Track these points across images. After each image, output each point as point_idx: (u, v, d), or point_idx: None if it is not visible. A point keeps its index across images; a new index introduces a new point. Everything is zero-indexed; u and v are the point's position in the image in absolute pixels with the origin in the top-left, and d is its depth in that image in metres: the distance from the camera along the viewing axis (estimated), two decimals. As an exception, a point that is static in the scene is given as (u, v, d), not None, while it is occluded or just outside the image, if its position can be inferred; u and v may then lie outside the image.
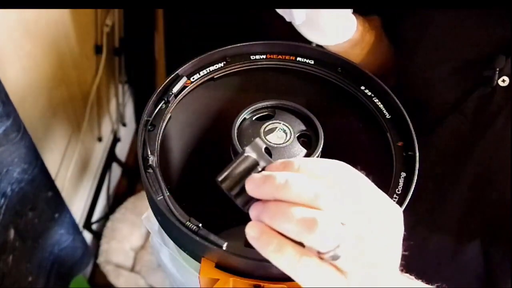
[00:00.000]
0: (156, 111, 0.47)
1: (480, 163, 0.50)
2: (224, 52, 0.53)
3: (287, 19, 0.50)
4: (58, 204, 0.83)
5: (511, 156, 0.48)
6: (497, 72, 0.48)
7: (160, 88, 0.48)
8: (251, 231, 0.32)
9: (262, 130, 0.45)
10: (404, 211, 0.42)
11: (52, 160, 0.86)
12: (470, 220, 0.52)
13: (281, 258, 0.31)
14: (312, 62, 0.53)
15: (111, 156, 1.30)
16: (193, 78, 0.51)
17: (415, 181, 0.43)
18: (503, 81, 0.48)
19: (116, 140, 1.34)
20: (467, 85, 0.51)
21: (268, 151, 0.42)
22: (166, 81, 0.49)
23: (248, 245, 0.33)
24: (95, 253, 1.21)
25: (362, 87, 0.51)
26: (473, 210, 0.52)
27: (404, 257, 0.53)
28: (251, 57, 0.54)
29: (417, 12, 0.56)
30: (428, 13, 0.55)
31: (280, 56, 0.54)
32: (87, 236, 1.18)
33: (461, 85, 0.52)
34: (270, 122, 0.46)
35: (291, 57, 0.54)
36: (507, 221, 0.49)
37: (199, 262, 0.41)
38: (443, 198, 0.53)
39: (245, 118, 0.46)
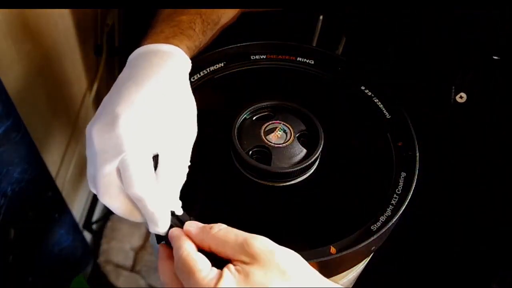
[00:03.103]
0: (156, 111, 0.47)
1: (450, 172, 0.51)
2: (224, 52, 0.53)
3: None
4: (58, 204, 0.83)
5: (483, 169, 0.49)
6: (453, 89, 0.48)
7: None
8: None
9: (262, 130, 0.45)
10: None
11: (52, 160, 0.86)
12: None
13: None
14: (312, 62, 0.53)
15: (111, 156, 1.29)
16: (193, 78, 0.52)
17: (415, 181, 0.43)
18: (461, 97, 0.48)
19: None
20: (429, 98, 0.52)
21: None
22: (166, 81, 0.49)
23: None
24: (95, 253, 1.21)
25: (362, 87, 0.51)
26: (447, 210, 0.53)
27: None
28: (251, 57, 0.54)
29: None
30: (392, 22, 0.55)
31: (280, 56, 0.54)
32: (87, 236, 1.18)
33: (424, 97, 0.52)
34: (270, 122, 0.46)
35: (291, 57, 0.54)
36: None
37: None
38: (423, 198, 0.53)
39: (245, 118, 0.46)
